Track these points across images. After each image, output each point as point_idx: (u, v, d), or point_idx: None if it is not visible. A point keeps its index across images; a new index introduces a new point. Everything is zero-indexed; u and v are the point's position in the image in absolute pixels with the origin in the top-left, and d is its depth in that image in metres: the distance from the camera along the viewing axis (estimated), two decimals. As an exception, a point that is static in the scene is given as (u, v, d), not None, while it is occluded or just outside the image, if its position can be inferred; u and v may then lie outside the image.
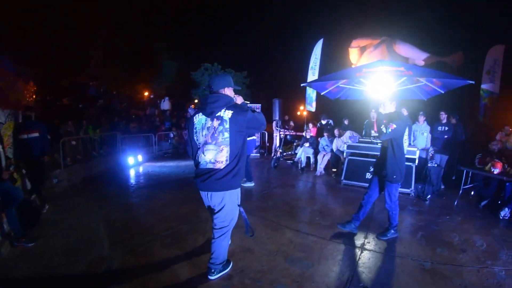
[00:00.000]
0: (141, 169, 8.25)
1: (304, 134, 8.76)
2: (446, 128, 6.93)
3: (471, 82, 5.77)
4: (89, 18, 19.03)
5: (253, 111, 2.70)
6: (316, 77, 10.53)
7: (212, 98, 2.61)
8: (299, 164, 8.26)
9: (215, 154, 2.59)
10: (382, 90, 6.41)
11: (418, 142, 6.88)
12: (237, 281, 2.86)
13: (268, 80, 20.87)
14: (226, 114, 2.57)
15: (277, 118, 10.00)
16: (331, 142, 8.08)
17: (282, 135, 9.67)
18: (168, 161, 9.46)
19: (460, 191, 5.70)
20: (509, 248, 3.82)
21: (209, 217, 3.03)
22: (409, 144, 6.66)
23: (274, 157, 8.70)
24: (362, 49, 9.82)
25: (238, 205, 2.77)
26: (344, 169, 6.95)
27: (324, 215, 4.84)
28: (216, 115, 2.58)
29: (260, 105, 11.01)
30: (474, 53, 11.54)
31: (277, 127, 10.26)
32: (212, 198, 2.70)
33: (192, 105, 20.04)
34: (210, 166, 2.62)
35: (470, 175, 5.91)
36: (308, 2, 24.24)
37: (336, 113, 10.49)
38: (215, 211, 2.74)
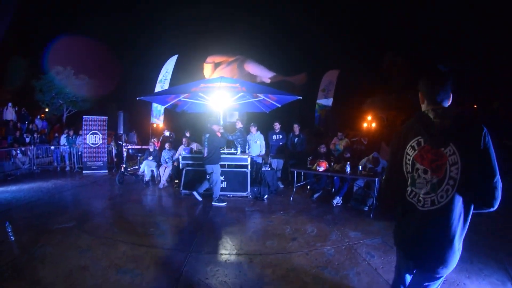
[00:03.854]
0: None
1: (149, 147, 8.73)
2: (280, 136, 7.95)
3: (298, 97, 6.86)
4: None
5: None
6: (164, 90, 10.80)
7: None
8: (144, 178, 8.19)
9: None
10: (222, 103, 7.08)
11: (252, 149, 7.62)
12: None
13: (122, 91, 20.09)
14: None
15: (121, 131, 9.72)
16: (173, 154, 8.27)
17: (125, 149, 9.49)
18: (10, 185, 7.93)
19: (294, 189, 6.58)
20: (339, 230, 4.58)
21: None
22: (244, 151, 7.46)
23: (119, 173, 8.44)
24: (217, 65, 10.58)
25: None
26: (182, 179, 7.12)
27: (158, 226, 4.99)
28: None
29: (106, 117, 10.43)
30: (314, 74, 13.78)
31: (120, 141, 10.00)
32: None
33: (42, 115, 17.56)
34: None
35: (302, 174, 6.92)
36: (164, 18, 24.75)
37: (181, 125, 10.80)
38: None
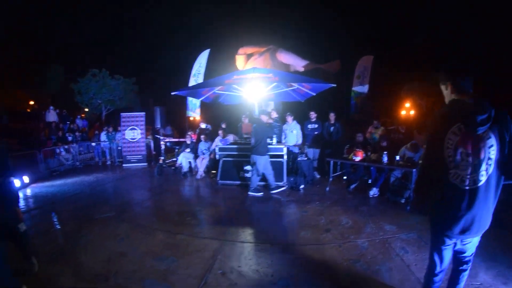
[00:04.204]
0: (28, 191, 7.34)
1: (186, 140, 8.92)
2: (316, 126, 7.82)
3: (333, 85, 6.63)
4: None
5: None
6: (198, 84, 10.95)
7: None
8: (181, 170, 8.39)
9: None
10: (256, 94, 7.01)
11: (288, 139, 7.53)
12: (113, 282, 3.05)
13: (157, 87, 20.67)
14: None
15: (158, 126, 9.99)
16: (209, 146, 8.41)
17: (162, 143, 9.73)
18: (56, 180, 8.52)
19: (330, 179, 6.48)
20: (374, 222, 4.46)
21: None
22: (280, 141, 7.41)
23: (158, 165, 8.72)
24: (249, 56, 10.48)
25: None
26: (219, 170, 7.21)
27: (194, 215, 5.13)
28: None
29: (144, 113, 10.84)
30: (347, 61, 13.29)
31: (158, 135, 10.29)
32: None
33: (82, 115, 18.66)
34: None
35: (339, 164, 6.80)
36: (195, 13, 24.98)
37: (217, 117, 10.95)
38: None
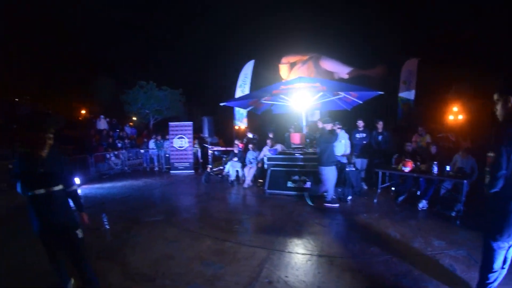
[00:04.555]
0: (79, 191, 7.96)
1: (233, 149, 9.09)
2: (364, 135, 7.64)
3: (380, 93, 6.50)
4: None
5: None
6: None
7: None
8: (229, 178, 8.57)
9: None
10: (303, 104, 7.00)
11: (337, 149, 7.38)
12: (159, 282, 3.19)
13: (204, 97, 21.35)
14: None
15: (206, 135, 10.29)
16: (257, 155, 8.49)
17: (210, 151, 9.99)
18: (105, 183, 9.19)
19: (378, 190, 6.29)
20: (422, 236, 4.31)
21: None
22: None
23: (205, 173, 8.94)
24: (292, 65, 10.51)
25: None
26: (267, 179, 7.26)
27: (242, 223, 5.23)
28: None
29: (192, 122, 11.23)
30: (392, 66, 12.83)
31: (205, 144, 10.59)
32: None
33: (130, 123, 19.76)
34: None
35: (387, 174, 6.59)
36: (241, 25, 25.53)
37: (263, 127, 11.08)
38: None
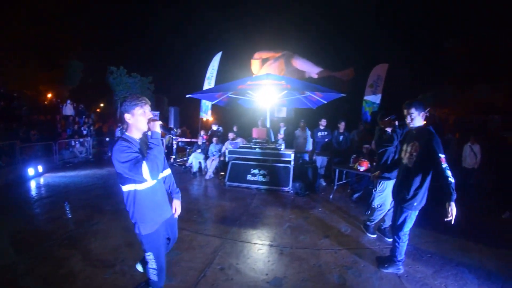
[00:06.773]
0: (41, 180, 7.71)
1: (197, 140, 9.15)
2: (325, 133, 7.93)
3: (343, 95, 6.77)
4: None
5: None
6: (212, 86, 11.15)
7: None
8: (191, 169, 8.63)
9: None
10: (269, 100, 7.16)
11: (299, 145, 7.73)
12: (118, 268, 3.32)
13: (172, 86, 21.06)
14: None
15: (172, 125, 10.26)
16: (220, 148, 8.60)
17: (175, 142, 10.01)
18: (69, 171, 8.93)
19: (335, 187, 6.59)
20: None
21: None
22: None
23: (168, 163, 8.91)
24: (264, 61, 10.66)
25: None
26: (228, 172, 7.40)
27: (201, 213, 5.37)
28: None
29: (158, 112, 11.10)
30: (361, 69, 13.21)
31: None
32: None
33: (97, 110, 19.18)
34: None
35: (344, 172, 6.88)
36: (211, 18, 25.37)
37: (229, 120, 11.13)
38: None
